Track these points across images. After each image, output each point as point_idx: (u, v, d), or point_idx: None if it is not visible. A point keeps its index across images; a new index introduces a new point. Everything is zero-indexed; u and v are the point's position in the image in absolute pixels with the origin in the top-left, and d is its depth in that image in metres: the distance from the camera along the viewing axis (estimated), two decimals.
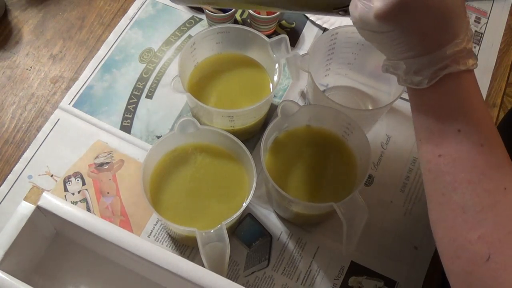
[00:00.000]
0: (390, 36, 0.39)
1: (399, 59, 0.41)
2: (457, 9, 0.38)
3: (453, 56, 0.38)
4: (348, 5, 0.44)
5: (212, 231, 0.55)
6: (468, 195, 0.39)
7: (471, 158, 0.39)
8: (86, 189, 0.68)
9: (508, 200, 0.38)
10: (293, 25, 0.83)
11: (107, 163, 0.70)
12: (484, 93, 0.79)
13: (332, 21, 0.82)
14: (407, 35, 0.39)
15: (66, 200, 0.66)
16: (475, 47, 0.83)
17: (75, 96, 0.75)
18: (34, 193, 0.68)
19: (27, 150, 0.70)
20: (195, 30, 0.82)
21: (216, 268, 0.54)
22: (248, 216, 0.68)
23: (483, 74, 0.81)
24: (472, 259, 0.38)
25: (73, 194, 0.68)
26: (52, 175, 0.69)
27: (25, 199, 0.58)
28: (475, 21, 0.86)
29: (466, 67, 0.38)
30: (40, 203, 0.56)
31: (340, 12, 0.48)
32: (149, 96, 0.76)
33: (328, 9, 0.49)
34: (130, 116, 0.74)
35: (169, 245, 0.66)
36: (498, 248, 0.37)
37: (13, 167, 0.69)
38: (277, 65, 0.66)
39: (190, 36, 0.81)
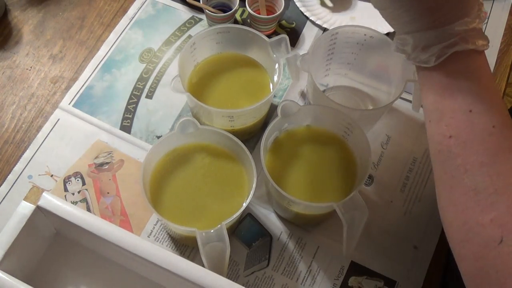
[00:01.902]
0: (401, 1, 0.38)
1: (406, 32, 0.40)
2: None
3: (462, 34, 0.37)
4: None
5: (212, 231, 0.55)
6: (480, 177, 0.38)
7: (483, 139, 0.38)
8: (86, 189, 0.68)
9: None
10: (293, 25, 0.83)
11: (107, 163, 0.70)
12: None
13: (332, 21, 0.82)
14: (416, 1, 0.37)
15: (66, 200, 0.66)
16: None
17: (75, 96, 0.75)
18: (34, 193, 0.68)
19: (27, 150, 0.70)
20: (195, 30, 0.82)
21: (216, 268, 0.54)
22: (248, 216, 0.68)
23: None
24: (484, 242, 0.37)
25: (73, 194, 0.68)
26: (52, 175, 0.69)
27: (25, 199, 0.58)
28: None
29: (475, 46, 0.38)
30: (40, 203, 0.56)
31: None
32: (149, 96, 0.76)
33: None
34: (130, 116, 0.74)
35: (169, 245, 0.66)
36: (511, 231, 0.36)
37: (13, 167, 0.69)
38: (277, 65, 0.66)
39: (190, 36, 0.81)
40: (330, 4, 0.83)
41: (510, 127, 0.39)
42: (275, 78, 0.67)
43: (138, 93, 0.76)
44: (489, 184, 0.37)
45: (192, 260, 0.60)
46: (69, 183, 0.69)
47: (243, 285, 0.53)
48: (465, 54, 0.38)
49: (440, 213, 0.42)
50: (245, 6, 0.78)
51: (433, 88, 0.40)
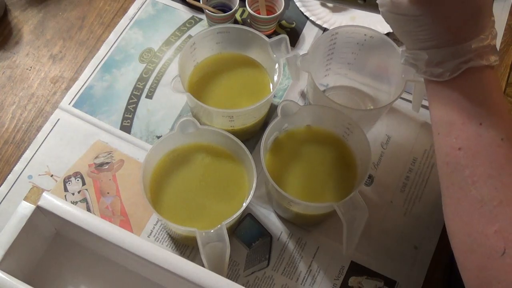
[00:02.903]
0: (418, 21, 0.39)
1: (422, 48, 0.40)
2: (487, 5, 0.38)
3: (477, 50, 0.38)
4: None
5: (212, 231, 0.55)
6: (486, 189, 0.38)
7: (492, 152, 0.38)
8: (86, 189, 0.68)
9: None
10: (293, 25, 0.83)
11: (107, 163, 0.70)
12: None
13: (332, 21, 0.82)
14: (435, 22, 0.38)
15: (66, 200, 0.66)
16: None
17: (75, 96, 0.75)
18: (34, 193, 0.68)
19: (27, 150, 0.70)
20: (195, 30, 0.82)
21: (216, 268, 0.54)
22: (248, 216, 0.68)
23: None
24: (487, 253, 0.38)
25: (73, 194, 0.68)
26: (52, 175, 0.69)
27: (25, 199, 0.58)
28: None
29: (488, 62, 0.39)
30: (40, 203, 0.56)
31: (359, 1, 0.47)
32: (149, 96, 0.76)
33: None
34: (130, 116, 0.74)
35: (169, 245, 0.66)
36: None
37: (13, 167, 0.69)
38: (277, 65, 0.66)
39: (190, 36, 0.81)
40: (330, 4, 0.83)
41: None
42: (275, 78, 0.67)
43: (138, 93, 0.76)
44: (495, 196, 0.38)
45: (192, 260, 0.60)
46: (69, 183, 0.69)
47: (243, 285, 0.53)
48: (477, 69, 0.39)
49: (445, 224, 0.43)
50: (245, 6, 0.78)
51: (444, 101, 0.40)
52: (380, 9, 0.42)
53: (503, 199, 0.38)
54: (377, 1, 0.43)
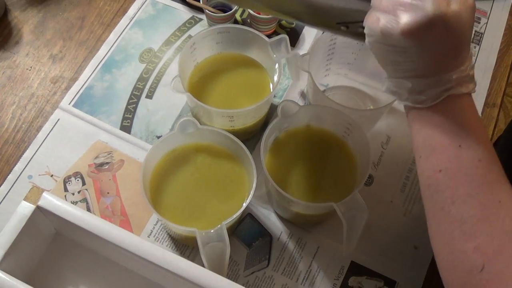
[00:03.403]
0: (406, 52, 0.41)
1: (406, 77, 0.43)
2: (468, 38, 0.41)
3: (458, 80, 0.41)
4: (358, 21, 0.45)
5: (212, 231, 0.55)
6: (466, 208, 0.40)
7: (470, 172, 0.41)
8: (86, 189, 0.68)
9: (502, 213, 0.40)
10: (293, 25, 0.83)
11: (107, 163, 0.70)
12: (484, 93, 0.79)
13: None
14: (423, 54, 0.40)
15: (66, 200, 0.66)
16: (475, 47, 0.83)
17: (75, 96, 0.75)
18: (34, 193, 0.68)
19: (27, 150, 0.70)
20: (195, 30, 0.82)
21: (216, 268, 0.54)
22: (248, 216, 0.68)
23: (483, 74, 0.81)
24: (467, 269, 0.40)
25: (73, 194, 0.68)
26: (52, 175, 0.69)
27: (25, 199, 0.57)
28: (475, 21, 0.85)
29: (467, 90, 0.41)
30: (40, 203, 0.56)
31: (342, 28, 0.48)
32: (149, 96, 0.76)
33: (330, 23, 0.49)
34: (130, 116, 0.74)
35: (169, 245, 0.66)
36: (492, 258, 0.39)
37: (13, 167, 0.69)
38: (277, 65, 0.66)
39: (190, 36, 0.81)
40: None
41: (494, 161, 0.42)
42: (275, 78, 0.67)
43: (138, 93, 0.76)
44: (473, 214, 0.40)
45: (192, 260, 0.60)
46: (69, 183, 0.69)
47: (243, 285, 0.53)
48: (457, 96, 0.41)
49: (431, 242, 0.45)
50: None
51: (425, 126, 0.43)
52: (367, 38, 0.43)
53: (480, 217, 0.40)
54: (364, 31, 0.44)
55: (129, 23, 0.82)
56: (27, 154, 0.70)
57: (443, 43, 0.40)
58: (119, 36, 0.80)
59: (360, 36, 0.47)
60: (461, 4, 0.39)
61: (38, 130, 0.72)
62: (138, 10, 0.83)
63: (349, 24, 0.48)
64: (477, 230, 0.40)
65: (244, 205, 0.57)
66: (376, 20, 0.41)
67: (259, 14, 0.78)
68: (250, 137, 0.73)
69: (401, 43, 0.40)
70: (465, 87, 0.41)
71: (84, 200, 0.68)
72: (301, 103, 0.76)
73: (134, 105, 0.75)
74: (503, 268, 0.38)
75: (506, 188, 0.41)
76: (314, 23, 0.52)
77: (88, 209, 0.67)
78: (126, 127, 0.73)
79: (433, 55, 0.40)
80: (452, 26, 0.39)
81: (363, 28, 0.45)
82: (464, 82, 0.41)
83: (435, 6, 0.38)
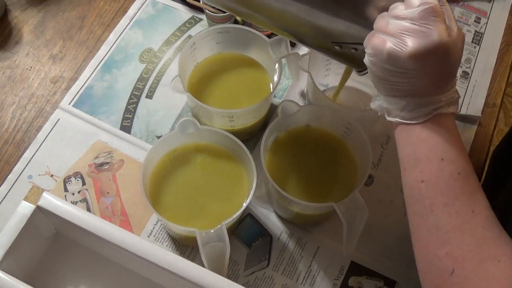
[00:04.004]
0: (407, 74, 0.44)
1: (400, 96, 0.46)
2: (458, 66, 0.46)
3: (446, 101, 0.45)
4: (352, 43, 0.49)
5: (212, 231, 0.55)
6: (442, 216, 0.44)
7: (449, 183, 0.44)
8: (86, 189, 0.68)
9: (474, 222, 0.43)
10: None
11: (107, 163, 0.70)
12: (484, 93, 0.79)
13: None
14: (423, 77, 0.44)
15: (66, 200, 0.66)
16: (475, 47, 0.83)
17: (75, 96, 0.75)
18: (34, 193, 0.68)
19: (27, 150, 0.70)
20: (195, 30, 0.82)
21: (216, 268, 0.54)
22: (248, 216, 0.68)
23: (483, 74, 0.81)
24: (439, 273, 0.44)
25: (73, 194, 0.68)
26: (52, 175, 0.69)
27: (25, 199, 0.58)
28: (475, 21, 0.86)
29: (453, 110, 0.46)
30: (40, 203, 0.56)
31: (336, 47, 0.51)
32: (149, 96, 0.76)
33: (325, 42, 0.51)
34: (130, 116, 0.74)
35: (169, 245, 0.66)
36: (461, 263, 0.42)
37: (13, 167, 0.69)
38: (277, 65, 0.66)
39: (190, 36, 0.81)
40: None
41: (472, 174, 0.45)
42: (275, 78, 0.67)
43: (138, 93, 0.76)
44: (449, 222, 0.44)
45: (192, 260, 0.60)
46: (69, 183, 0.69)
47: (243, 285, 0.53)
48: (443, 115, 0.45)
49: (413, 249, 0.48)
50: None
51: (412, 140, 0.46)
52: (369, 58, 0.46)
53: (455, 224, 0.43)
54: (366, 50, 0.46)
55: (129, 23, 0.82)
56: (27, 154, 0.70)
57: (440, 68, 0.44)
58: (119, 36, 0.80)
59: (349, 57, 0.51)
60: (457, 35, 0.44)
61: (38, 130, 0.72)
62: (138, 10, 0.83)
63: (343, 45, 0.50)
64: (450, 237, 0.43)
65: (244, 205, 0.57)
66: (382, 42, 0.44)
67: None
68: (250, 137, 0.73)
69: (406, 65, 0.43)
70: (452, 107, 0.45)
71: (84, 200, 0.68)
72: (301, 103, 0.76)
73: (134, 105, 0.75)
74: (470, 273, 0.42)
75: (480, 199, 0.45)
76: (309, 40, 0.54)
77: (88, 209, 0.67)
78: (126, 127, 0.73)
79: (430, 78, 0.44)
80: (450, 53, 0.43)
81: (356, 50, 0.49)
82: (451, 103, 0.45)
83: (440, 34, 0.42)
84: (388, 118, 0.48)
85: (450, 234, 0.43)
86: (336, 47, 0.51)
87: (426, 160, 0.45)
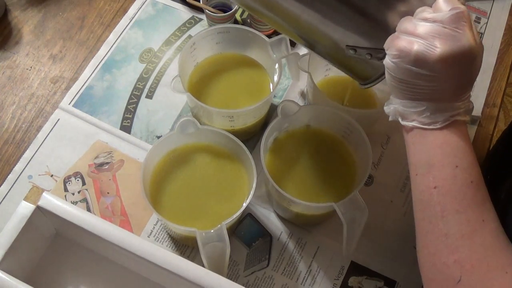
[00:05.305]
0: (433, 77, 0.43)
1: (420, 99, 0.45)
2: (477, 74, 0.45)
3: (463, 108, 0.45)
4: (373, 48, 0.48)
5: (212, 231, 0.55)
6: (453, 223, 0.44)
7: (462, 191, 0.44)
8: (86, 189, 0.68)
9: (484, 231, 0.43)
10: None
11: (107, 163, 0.70)
12: (484, 93, 0.79)
13: None
14: (448, 81, 0.43)
15: (66, 200, 0.66)
16: None
17: (75, 96, 0.75)
18: (34, 193, 0.67)
19: (27, 150, 0.70)
20: (195, 30, 0.82)
21: (216, 268, 0.54)
22: (248, 216, 0.68)
23: (483, 74, 0.81)
24: (446, 281, 0.43)
25: (73, 194, 0.68)
26: (52, 175, 0.69)
27: (25, 199, 0.58)
28: (475, 21, 0.86)
29: (467, 119, 0.46)
30: (40, 203, 0.56)
31: (350, 51, 0.49)
32: (149, 96, 0.76)
33: (340, 44, 0.50)
34: (130, 116, 0.74)
35: (169, 245, 0.66)
36: (469, 272, 0.42)
37: (13, 167, 0.69)
38: (277, 65, 0.66)
39: (190, 36, 0.81)
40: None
41: (483, 184, 0.45)
42: (275, 78, 0.67)
43: (138, 93, 0.76)
44: (459, 230, 0.43)
45: (192, 260, 0.60)
46: (69, 183, 0.69)
47: (243, 285, 0.53)
48: (459, 122, 0.45)
49: (417, 256, 0.47)
50: None
51: (427, 146, 0.46)
52: (392, 60, 0.45)
53: (465, 232, 0.43)
54: (388, 52, 0.45)
55: (129, 23, 0.82)
56: (27, 154, 0.70)
57: (465, 73, 0.44)
58: (119, 36, 0.80)
59: (358, 65, 0.51)
60: (480, 42, 0.44)
61: (38, 130, 0.72)
62: (138, 10, 0.83)
63: (358, 49, 0.49)
64: (459, 244, 0.43)
65: (244, 205, 0.57)
66: (410, 44, 0.43)
67: None
68: (250, 137, 0.73)
69: (433, 68, 0.43)
70: (467, 115, 0.45)
71: (84, 200, 0.68)
72: (301, 103, 0.76)
73: (134, 105, 0.75)
74: (476, 282, 0.42)
75: (489, 209, 0.45)
76: (323, 43, 0.52)
77: (88, 209, 0.67)
78: (126, 127, 0.73)
79: (453, 83, 0.44)
80: (475, 59, 0.43)
81: (371, 55, 0.48)
82: (467, 112, 0.45)
83: (469, 39, 0.42)
84: (403, 123, 0.47)
85: (459, 241, 0.43)
86: (350, 50, 0.49)
87: (440, 166, 0.45)
